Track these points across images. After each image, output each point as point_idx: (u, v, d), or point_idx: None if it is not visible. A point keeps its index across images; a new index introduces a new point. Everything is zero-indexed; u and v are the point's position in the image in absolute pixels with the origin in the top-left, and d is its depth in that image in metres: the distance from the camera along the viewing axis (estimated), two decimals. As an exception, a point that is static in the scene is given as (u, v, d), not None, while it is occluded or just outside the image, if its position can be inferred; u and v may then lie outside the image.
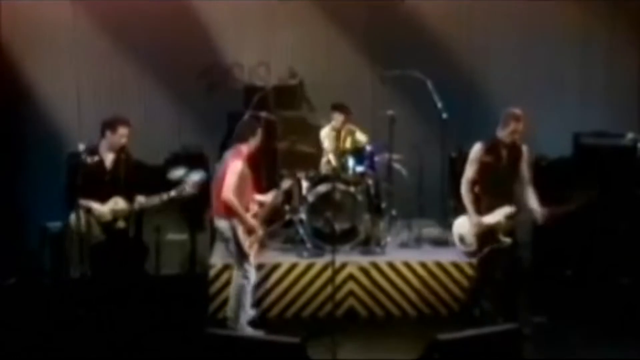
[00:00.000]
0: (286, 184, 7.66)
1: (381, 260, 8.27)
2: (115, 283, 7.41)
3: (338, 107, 8.95)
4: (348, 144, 9.00)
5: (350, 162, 8.71)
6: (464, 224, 7.43)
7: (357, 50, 10.23)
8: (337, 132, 9.03)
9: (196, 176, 7.64)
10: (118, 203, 7.38)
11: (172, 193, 7.46)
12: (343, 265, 8.09)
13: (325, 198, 8.42)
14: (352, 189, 8.48)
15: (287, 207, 8.76)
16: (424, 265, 8.24)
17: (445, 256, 8.28)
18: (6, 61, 9.81)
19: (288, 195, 8.50)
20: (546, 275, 8.97)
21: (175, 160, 9.09)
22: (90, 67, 10.03)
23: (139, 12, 9.80)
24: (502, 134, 7.27)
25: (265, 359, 5.18)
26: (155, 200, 7.45)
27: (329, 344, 6.71)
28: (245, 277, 7.35)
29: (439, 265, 8.22)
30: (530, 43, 10.24)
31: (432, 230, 9.17)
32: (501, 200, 7.26)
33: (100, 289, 7.34)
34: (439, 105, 8.64)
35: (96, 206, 7.31)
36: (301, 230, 8.47)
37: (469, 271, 8.09)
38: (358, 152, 8.77)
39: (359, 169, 8.70)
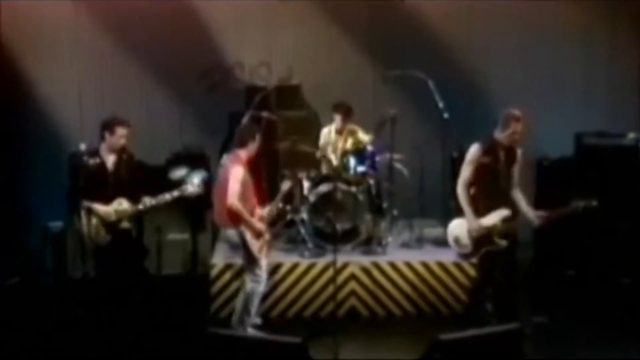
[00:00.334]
0: (285, 185, 7.67)
1: (383, 260, 8.28)
2: (116, 283, 7.41)
3: (337, 108, 8.94)
4: (349, 144, 8.99)
5: (352, 162, 8.71)
6: (460, 226, 7.39)
7: (358, 50, 10.23)
8: (339, 132, 9.03)
9: (198, 176, 7.63)
10: (122, 204, 7.38)
11: (175, 193, 7.44)
12: (344, 265, 8.10)
13: (326, 198, 8.42)
14: (353, 188, 8.48)
15: (288, 207, 8.75)
16: (425, 265, 8.24)
17: (447, 256, 8.26)
18: (7, 61, 9.82)
19: (289, 196, 8.49)
20: (547, 275, 8.98)
21: (177, 160, 9.10)
22: (91, 67, 10.03)
23: (140, 11, 9.80)
24: (502, 135, 7.22)
25: (267, 359, 5.18)
26: (161, 200, 7.43)
27: (330, 344, 6.71)
28: (257, 281, 7.35)
29: (441, 265, 8.22)
30: (531, 43, 10.24)
31: (433, 230, 9.16)
32: (498, 203, 7.22)
33: (101, 289, 7.34)
34: (440, 105, 8.64)
35: (101, 207, 7.31)
36: (303, 230, 8.47)
37: (471, 271, 8.09)
38: (359, 152, 8.77)
39: (361, 168, 8.69)
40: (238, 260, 7.80)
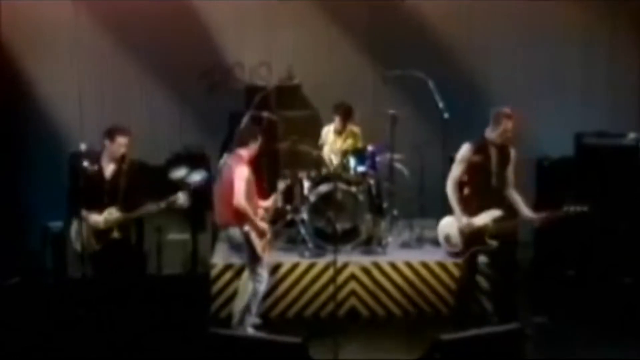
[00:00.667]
0: (282, 185, 7.67)
1: (383, 260, 8.28)
2: (116, 283, 7.40)
3: (336, 109, 8.94)
4: (349, 144, 8.98)
5: (352, 162, 8.70)
6: (451, 224, 7.37)
7: (358, 50, 10.23)
8: (338, 132, 9.02)
9: (196, 177, 7.63)
10: (112, 214, 7.35)
11: (162, 204, 7.41)
12: (345, 265, 8.09)
13: (326, 198, 8.41)
14: (353, 189, 8.48)
15: (288, 207, 8.76)
16: (425, 265, 8.24)
17: (447, 256, 8.27)
18: (7, 61, 9.82)
19: (288, 193, 8.50)
20: (547, 275, 8.98)
21: (177, 160, 9.10)
22: (91, 67, 10.03)
23: (140, 11, 9.80)
24: (493, 134, 7.19)
25: (267, 359, 5.18)
26: (146, 210, 7.39)
27: (330, 344, 6.71)
28: (258, 280, 7.37)
29: (441, 265, 8.22)
30: (531, 43, 10.23)
31: (433, 230, 9.15)
32: (489, 203, 7.20)
33: (101, 289, 7.34)
34: (441, 105, 8.63)
35: (91, 216, 7.29)
36: (303, 230, 8.46)
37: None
38: (359, 152, 8.76)
39: (361, 168, 8.69)
40: (238, 260, 7.81)
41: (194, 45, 9.99)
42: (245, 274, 7.55)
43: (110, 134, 7.39)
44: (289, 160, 8.99)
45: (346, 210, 8.44)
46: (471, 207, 7.22)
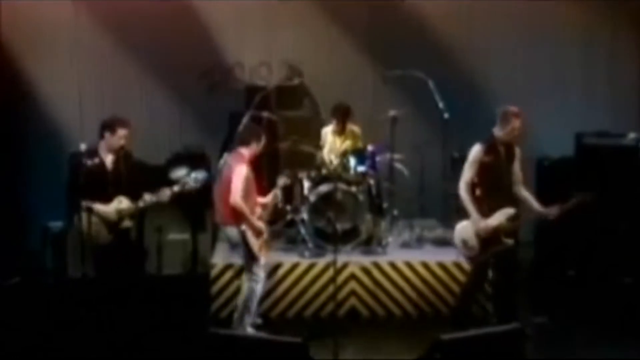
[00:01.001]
0: (281, 181, 7.67)
1: (383, 260, 8.27)
2: (116, 283, 7.40)
3: (333, 112, 8.93)
4: (348, 144, 8.97)
5: (352, 162, 8.70)
6: (467, 228, 7.33)
7: (358, 50, 10.23)
8: (338, 133, 9.02)
9: (198, 176, 7.62)
10: (122, 202, 7.37)
11: (175, 188, 7.42)
12: (345, 265, 8.09)
13: (326, 198, 8.41)
14: (353, 188, 8.48)
15: (288, 207, 8.76)
16: (425, 265, 8.24)
17: (447, 256, 8.26)
18: (7, 61, 9.81)
19: (288, 193, 8.50)
20: (547, 275, 8.98)
21: (177, 160, 9.10)
22: (91, 67, 10.03)
23: (140, 11, 9.80)
24: (502, 132, 7.19)
25: (267, 359, 5.17)
26: (160, 196, 7.40)
27: (330, 344, 6.70)
28: (255, 280, 7.36)
29: (441, 265, 8.21)
30: (532, 43, 10.24)
31: (433, 231, 9.17)
32: (502, 202, 7.19)
33: (101, 289, 7.33)
34: (441, 105, 8.64)
35: (101, 207, 7.29)
36: (303, 230, 8.46)
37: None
38: (359, 152, 8.76)
39: (361, 168, 8.69)
40: (238, 260, 7.80)
41: (194, 45, 9.99)
42: (245, 276, 7.53)
43: (111, 125, 7.39)
44: (289, 160, 8.99)
45: (346, 210, 8.43)
46: (484, 207, 7.20)
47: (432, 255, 8.42)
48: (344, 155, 8.78)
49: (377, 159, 8.82)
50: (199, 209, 8.67)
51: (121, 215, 7.34)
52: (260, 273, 7.40)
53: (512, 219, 7.16)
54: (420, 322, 8.00)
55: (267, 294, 7.95)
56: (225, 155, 7.61)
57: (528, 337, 6.40)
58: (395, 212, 9.06)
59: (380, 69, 9.87)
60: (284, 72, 10.04)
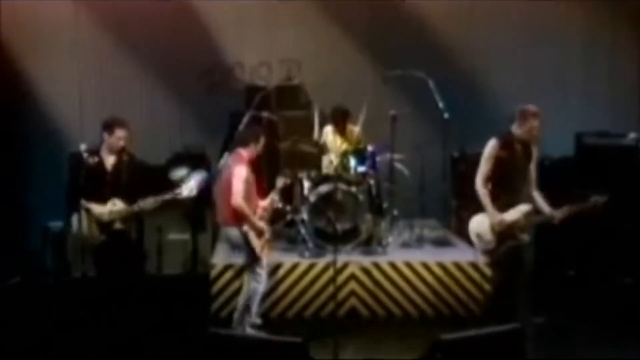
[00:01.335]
0: (281, 181, 7.66)
1: (383, 260, 8.27)
2: (116, 283, 7.40)
3: (331, 117, 8.93)
4: (349, 144, 8.97)
5: (352, 162, 8.70)
6: (481, 222, 7.28)
7: (358, 50, 10.24)
8: (337, 133, 9.02)
9: (197, 177, 7.61)
10: (116, 204, 7.34)
11: (167, 196, 7.39)
12: (345, 265, 8.09)
13: (327, 198, 8.42)
14: (353, 189, 8.48)
15: (288, 207, 8.75)
16: (425, 265, 8.23)
17: (447, 256, 8.28)
18: (7, 61, 9.82)
19: (287, 193, 8.49)
20: (547, 275, 8.97)
21: (177, 160, 9.11)
22: (91, 67, 10.05)
23: (140, 11, 9.82)
24: (520, 130, 7.10)
25: (267, 359, 5.17)
26: (151, 203, 7.38)
27: (330, 344, 6.70)
28: (257, 280, 7.36)
29: (441, 265, 8.21)
30: (532, 43, 10.25)
31: (433, 231, 9.17)
32: (517, 198, 7.14)
33: (101, 289, 7.33)
34: (441, 105, 8.63)
35: (95, 207, 7.29)
36: (303, 230, 8.46)
37: (471, 271, 8.09)
38: (359, 152, 8.76)
39: (361, 168, 8.69)
40: (238, 260, 7.80)
41: (194, 45, 10.01)
42: (247, 276, 7.53)
43: (109, 126, 7.37)
44: (289, 160, 8.99)
45: (346, 210, 8.44)
46: (497, 202, 7.16)
47: (432, 256, 8.42)
48: (344, 155, 8.79)
49: (377, 159, 8.82)
50: (199, 209, 8.67)
51: (113, 217, 7.32)
52: (262, 273, 7.40)
53: (528, 215, 7.13)
54: (421, 322, 8.00)
55: (267, 294, 7.95)
56: (226, 155, 7.62)
57: (527, 337, 6.39)
58: (395, 212, 9.06)
59: (380, 69, 9.87)
60: (284, 72, 10.05)
